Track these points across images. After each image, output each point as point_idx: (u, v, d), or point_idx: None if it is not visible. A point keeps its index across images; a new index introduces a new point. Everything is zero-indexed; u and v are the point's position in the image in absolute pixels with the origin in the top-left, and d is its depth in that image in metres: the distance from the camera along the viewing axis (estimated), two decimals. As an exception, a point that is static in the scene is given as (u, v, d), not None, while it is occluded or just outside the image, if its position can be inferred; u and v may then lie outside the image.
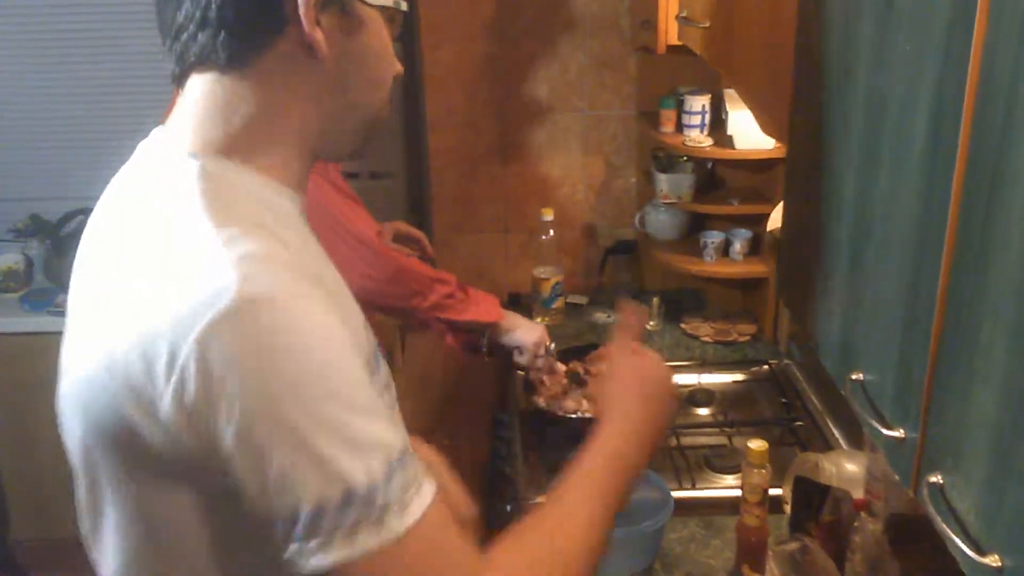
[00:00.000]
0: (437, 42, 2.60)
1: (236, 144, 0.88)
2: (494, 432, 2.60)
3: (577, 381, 2.12)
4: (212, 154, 0.87)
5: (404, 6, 0.94)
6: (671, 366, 2.18)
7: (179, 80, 0.90)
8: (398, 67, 0.96)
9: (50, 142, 3.06)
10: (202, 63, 0.86)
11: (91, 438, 0.87)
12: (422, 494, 0.81)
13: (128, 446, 0.83)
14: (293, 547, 0.79)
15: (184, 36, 0.86)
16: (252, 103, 0.87)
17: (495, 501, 1.98)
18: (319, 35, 0.86)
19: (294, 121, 0.90)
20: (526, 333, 2.09)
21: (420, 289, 1.94)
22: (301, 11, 0.84)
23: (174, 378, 0.76)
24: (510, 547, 0.88)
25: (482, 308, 2.04)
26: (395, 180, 2.75)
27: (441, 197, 2.74)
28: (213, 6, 0.84)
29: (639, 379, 1.08)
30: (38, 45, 2.98)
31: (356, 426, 0.79)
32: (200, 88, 0.88)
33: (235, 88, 0.87)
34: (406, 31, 2.75)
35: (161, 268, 0.80)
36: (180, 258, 0.80)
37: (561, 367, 2.14)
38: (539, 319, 2.58)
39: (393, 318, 2.15)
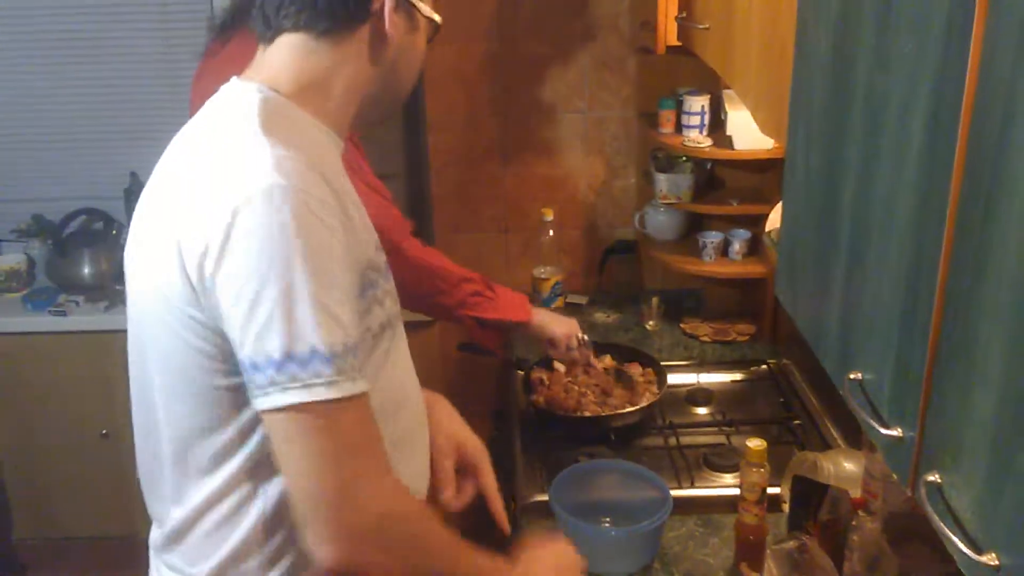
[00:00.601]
0: (437, 41, 2.58)
1: (301, 90, 1.11)
2: (494, 432, 2.61)
3: (620, 378, 2.13)
4: (277, 92, 1.10)
5: (439, 21, 1.21)
6: (671, 365, 2.22)
7: (269, 39, 1.13)
8: (422, 65, 1.23)
9: (52, 143, 3.05)
10: (298, 29, 1.10)
11: (150, 315, 1.09)
12: (360, 382, 1.01)
13: (180, 310, 1.03)
14: (259, 387, 0.98)
15: (288, 7, 1.10)
16: (327, 63, 1.12)
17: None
18: (392, 29, 1.12)
19: (352, 84, 1.13)
20: (557, 326, 2.07)
21: (446, 288, 1.93)
22: (386, 10, 1.11)
23: (218, 239, 0.98)
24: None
25: (510, 307, 2.02)
26: (395, 180, 2.76)
27: (441, 197, 2.74)
28: None
29: (553, 565, 1.31)
30: (40, 46, 2.98)
31: (331, 302, 0.98)
32: (288, 46, 1.11)
33: (319, 50, 1.11)
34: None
35: (218, 163, 1.03)
36: (233, 155, 1.02)
37: (598, 363, 2.14)
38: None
39: (423, 314, 2.12)
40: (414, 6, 1.15)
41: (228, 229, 0.97)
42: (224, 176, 1.01)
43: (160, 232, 1.06)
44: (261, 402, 0.99)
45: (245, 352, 0.98)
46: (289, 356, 0.96)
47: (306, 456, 0.99)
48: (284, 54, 1.12)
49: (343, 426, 1.00)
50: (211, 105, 1.14)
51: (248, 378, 1.00)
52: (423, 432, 1.31)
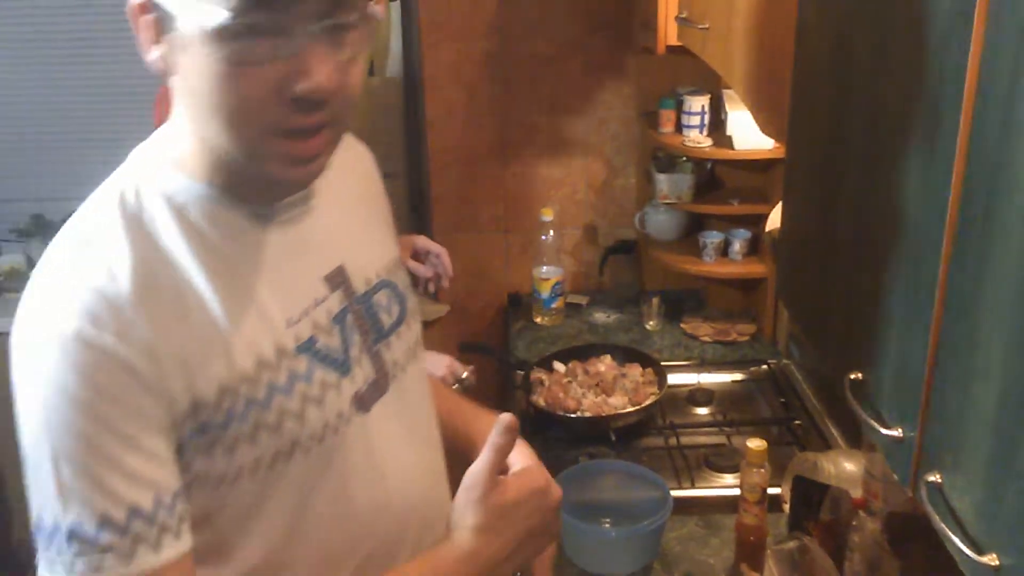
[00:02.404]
0: (437, 41, 2.60)
1: (169, 144, 0.92)
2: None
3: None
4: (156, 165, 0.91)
5: (223, 18, 0.78)
6: (671, 365, 2.22)
7: None
8: (236, 95, 0.81)
9: (52, 143, 3.06)
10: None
11: None
12: (168, 545, 0.85)
13: None
14: (42, 551, 0.86)
15: None
16: (174, 107, 0.90)
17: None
18: (155, 54, 0.86)
19: (192, 141, 0.90)
20: (432, 366, 1.90)
21: None
22: (134, 29, 0.87)
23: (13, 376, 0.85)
24: None
25: None
26: (395, 180, 2.76)
27: (441, 197, 2.74)
28: None
29: (482, 508, 0.99)
30: (39, 46, 2.98)
31: (112, 466, 0.82)
32: None
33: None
34: (406, 30, 2.75)
35: (32, 282, 0.88)
36: (42, 277, 0.88)
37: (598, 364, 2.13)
38: (539, 319, 2.58)
39: None
40: (157, 6, 0.85)
41: (14, 370, 0.85)
42: (26, 300, 0.86)
43: None
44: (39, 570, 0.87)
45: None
46: (37, 528, 0.86)
47: None
48: None
49: None
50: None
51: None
52: (422, 534, 1.05)
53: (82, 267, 0.85)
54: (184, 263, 0.87)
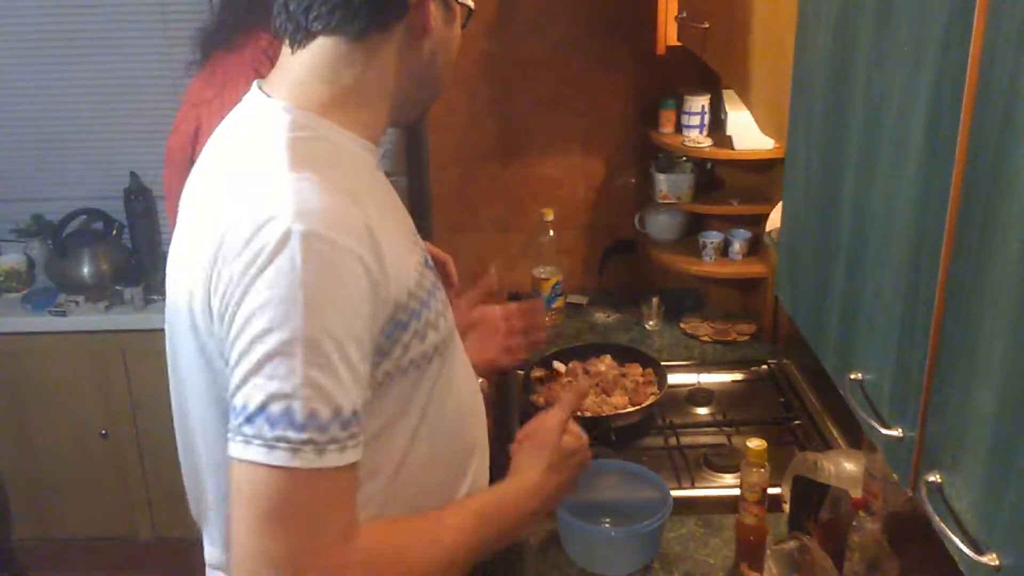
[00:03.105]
0: (437, 42, 2.60)
1: (334, 102, 1.05)
2: (494, 432, 2.60)
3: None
4: (305, 108, 1.04)
5: (473, 6, 1.14)
6: (671, 365, 2.22)
7: (300, 43, 1.05)
8: (454, 60, 1.14)
9: (52, 143, 3.06)
10: (331, 32, 1.03)
11: (184, 335, 1.06)
12: (344, 454, 0.93)
13: (208, 335, 1.01)
14: (231, 429, 0.92)
15: (319, 8, 1.03)
16: (362, 69, 1.05)
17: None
18: (432, 22, 1.06)
19: (389, 87, 1.08)
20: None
21: None
22: (428, 2, 1.05)
23: (243, 280, 0.93)
24: (380, 536, 1.00)
25: None
26: (395, 180, 2.76)
27: (441, 197, 2.74)
28: None
29: (555, 450, 1.23)
30: (39, 46, 2.98)
31: (334, 365, 0.92)
32: (319, 52, 1.05)
33: (353, 55, 1.04)
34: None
35: (247, 201, 0.97)
36: (261, 194, 0.96)
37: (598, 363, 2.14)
38: (539, 319, 2.58)
39: None
40: None
41: (253, 271, 0.92)
42: (252, 216, 0.94)
43: (194, 259, 1.02)
44: (229, 446, 0.93)
45: (231, 390, 0.94)
46: (262, 409, 0.90)
47: (247, 517, 0.91)
48: (315, 62, 1.05)
49: (298, 498, 0.91)
50: (237, 122, 1.09)
51: (231, 415, 0.94)
52: (485, 437, 1.27)
53: (313, 183, 0.95)
54: (361, 192, 1.01)
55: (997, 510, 0.76)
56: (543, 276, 2.54)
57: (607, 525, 1.68)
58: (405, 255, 1.05)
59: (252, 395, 0.91)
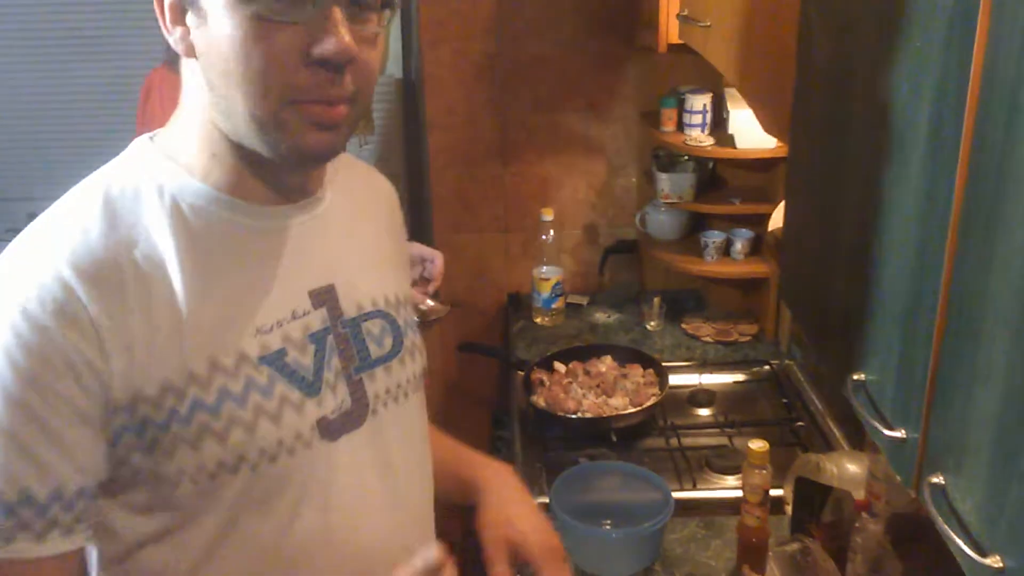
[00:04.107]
0: (437, 41, 2.59)
1: (172, 133, 0.93)
2: (494, 432, 2.60)
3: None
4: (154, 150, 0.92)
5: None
6: (672, 366, 2.21)
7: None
8: (259, 55, 0.81)
9: (49, 142, 3.06)
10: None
11: None
12: (30, 546, 0.83)
13: None
14: None
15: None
16: (181, 99, 0.91)
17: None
18: (176, 34, 0.86)
19: (201, 117, 0.89)
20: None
21: None
22: (157, 11, 0.87)
23: None
24: None
25: None
26: (395, 180, 2.75)
27: (441, 197, 2.74)
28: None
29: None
30: (37, 44, 2.98)
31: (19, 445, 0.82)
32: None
33: (178, 83, 0.91)
34: (406, 30, 2.74)
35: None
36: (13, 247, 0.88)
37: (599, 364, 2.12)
38: (539, 319, 2.57)
39: None
40: None
41: None
42: None
43: None
44: None
45: None
46: None
47: None
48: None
49: None
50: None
51: None
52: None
53: (48, 245, 0.85)
54: (162, 256, 0.87)
55: (1000, 512, 0.76)
56: (543, 276, 2.53)
57: (608, 527, 1.68)
58: (192, 332, 0.87)
59: None
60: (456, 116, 2.66)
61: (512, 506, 1.15)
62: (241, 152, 0.88)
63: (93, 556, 0.93)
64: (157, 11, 0.87)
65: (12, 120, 3.05)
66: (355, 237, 1.03)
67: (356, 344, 0.98)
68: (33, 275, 0.83)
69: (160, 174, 0.90)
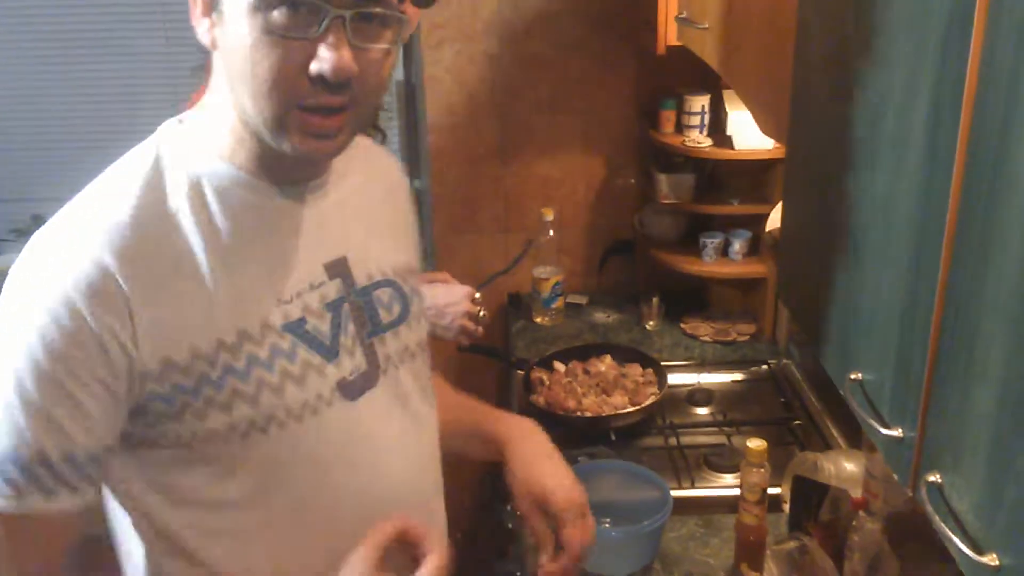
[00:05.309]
0: (437, 41, 2.60)
1: (199, 121, 0.98)
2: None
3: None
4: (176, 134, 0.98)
5: None
6: (671, 365, 2.22)
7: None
8: (266, 65, 0.86)
9: (52, 142, 3.06)
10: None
11: None
12: (26, 500, 0.89)
13: None
14: None
15: None
16: (210, 83, 0.96)
17: (495, 500, 1.98)
18: (204, 25, 0.91)
19: (226, 103, 0.94)
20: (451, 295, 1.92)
21: None
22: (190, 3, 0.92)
23: None
24: None
25: None
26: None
27: (441, 197, 2.74)
28: None
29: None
30: (39, 45, 2.98)
31: (29, 408, 0.87)
32: None
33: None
34: (406, 31, 2.75)
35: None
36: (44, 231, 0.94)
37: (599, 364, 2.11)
38: (539, 319, 2.58)
39: None
40: None
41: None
42: (34, 239, 0.95)
43: None
44: None
45: None
46: None
47: None
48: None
49: None
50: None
51: None
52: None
53: (85, 227, 0.91)
54: (188, 233, 0.92)
55: (997, 510, 0.76)
56: (543, 276, 2.54)
57: (607, 525, 1.68)
58: (206, 308, 0.93)
59: None
60: (456, 116, 2.66)
61: (537, 462, 1.21)
62: (259, 137, 0.93)
63: (127, 522, 0.98)
64: (190, 3, 0.92)
65: (16, 122, 3.05)
66: (367, 210, 1.10)
67: (368, 311, 1.06)
68: (70, 257, 0.88)
69: (188, 155, 0.96)
